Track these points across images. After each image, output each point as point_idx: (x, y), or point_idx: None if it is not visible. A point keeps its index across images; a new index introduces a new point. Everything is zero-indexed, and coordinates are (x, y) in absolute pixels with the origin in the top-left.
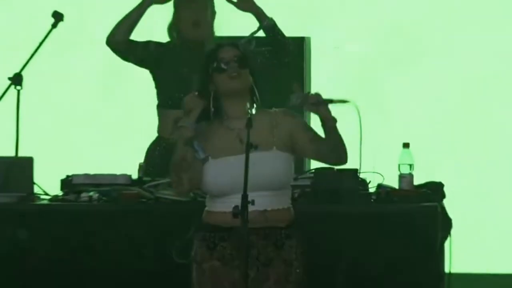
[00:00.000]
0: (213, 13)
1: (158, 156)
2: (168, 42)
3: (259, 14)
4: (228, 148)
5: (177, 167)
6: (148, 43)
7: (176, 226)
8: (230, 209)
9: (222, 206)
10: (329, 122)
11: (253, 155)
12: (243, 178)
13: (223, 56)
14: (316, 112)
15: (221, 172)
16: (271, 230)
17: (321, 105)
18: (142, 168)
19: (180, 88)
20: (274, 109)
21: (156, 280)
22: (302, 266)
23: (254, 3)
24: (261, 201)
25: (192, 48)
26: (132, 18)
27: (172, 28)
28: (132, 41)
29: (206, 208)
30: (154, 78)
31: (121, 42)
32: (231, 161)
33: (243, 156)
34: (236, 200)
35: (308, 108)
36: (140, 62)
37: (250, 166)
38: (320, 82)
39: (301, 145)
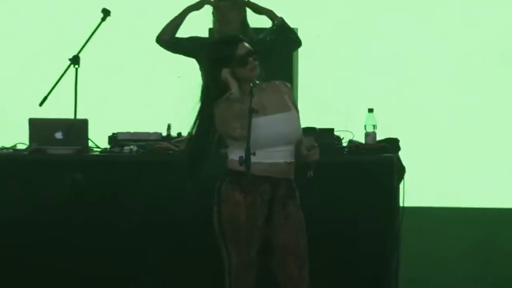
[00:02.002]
0: (244, 10)
1: None
2: (209, 37)
3: (271, 15)
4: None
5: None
6: (193, 38)
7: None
8: (263, 159)
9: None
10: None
11: (280, 116)
12: (268, 132)
13: (242, 53)
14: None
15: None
16: (289, 182)
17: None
18: (169, 127)
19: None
20: (273, 81)
21: (183, 213)
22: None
23: (264, 8)
24: (288, 154)
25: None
26: (176, 22)
27: (214, 27)
28: (178, 38)
29: (230, 158)
30: (201, 67)
31: (168, 41)
32: (262, 120)
33: (268, 117)
34: (264, 152)
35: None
36: (187, 53)
37: (280, 125)
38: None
39: None
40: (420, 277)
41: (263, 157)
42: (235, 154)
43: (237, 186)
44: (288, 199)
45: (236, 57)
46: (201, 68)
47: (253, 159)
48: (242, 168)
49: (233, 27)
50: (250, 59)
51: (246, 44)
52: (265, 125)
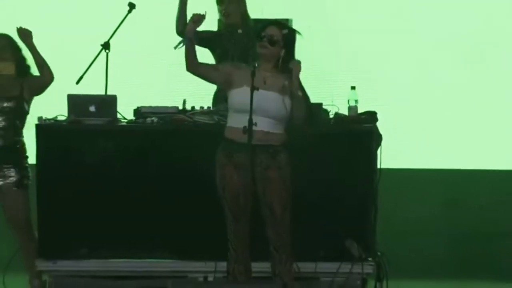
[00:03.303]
0: (244, 3)
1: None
2: (217, 30)
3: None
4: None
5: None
6: (206, 32)
7: (205, 137)
8: (242, 126)
9: (237, 123)
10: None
11: (267, 93)
12: (252, 105)
13: (266, 32)
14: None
15: (245, 96)
16: (270, 146)
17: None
18: (185, 102)
19: (226, 59)
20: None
21: (191, 171)
22: (289, 169)
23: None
24: (265, 125)
25: (230, 32)
26: (181, 13)
27: (219, 20)
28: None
29: (227, 125)
30: (213, 55)
31: (181, 32)
32: (256, 92)
33: (261, 91)
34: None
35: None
36: (204, 46)
37: (263, 99)
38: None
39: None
40: (394, 229)
41: (241, 123)
42: (229, 122)
43: (225, 151)
44: (269, 160)
45: (262, 32)
46: (214, 56)
47: (233, 124)
48: (230, 136)
49: (234, 18)
50: (265, 39)
51: (274, 29)
52: (248, 94)
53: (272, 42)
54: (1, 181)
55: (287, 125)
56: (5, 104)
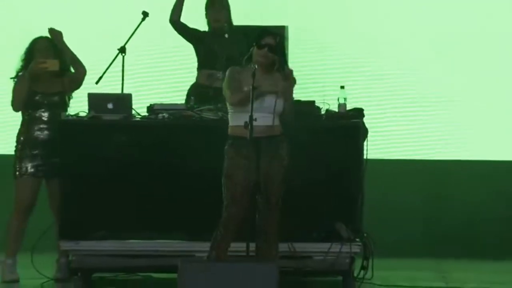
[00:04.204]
0: (229, 12)
1: (193, 94)
2: (207, 31)
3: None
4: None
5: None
6: (195, 29)
7: (210, 131)
8: (256, 123)
9: (241, 121)
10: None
11: (264, 92)
12: (267, 105)
13: (266, 42)
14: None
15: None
16: (272, 137)
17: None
18: (192, 101)
19: (211, 58)
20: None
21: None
22: (289, 159)
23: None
24: (265, 119)
25: (217, 35)
26: (178, 3)
27: (207, 23)
28: (185, 25)
29: (232, 124)
30: (196, 51)
31: (175, 21)
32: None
33: (259, 93)
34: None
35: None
36: (189, 40)
37: (261, 98)
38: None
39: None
40: (379, 213)
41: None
42: (233, 121)
43: (233, 147)
44: (273, 151)
45: (261, 41)
46: (198, 53)
47: (236, 122)
48: (236, 133)
49: (221, 23)
50: (265, 48)
51: (271, 38)
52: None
53: (272, 51)
54: (50, 170)
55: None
56: (51, 99)
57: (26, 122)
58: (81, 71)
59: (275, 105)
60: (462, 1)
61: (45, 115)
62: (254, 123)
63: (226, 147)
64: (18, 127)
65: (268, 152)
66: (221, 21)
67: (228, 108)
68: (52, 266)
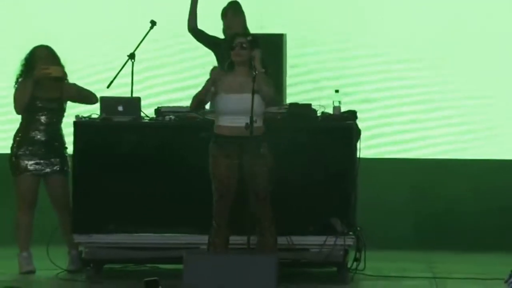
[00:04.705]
0: (244, 20)
1: None
2: (224, 38)
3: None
4: (236, 89)
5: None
6: (213, 36)
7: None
8: (234, 124)
9: (229, 122)
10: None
11: (245, 95)
12: (240, 107)
13: (236, 42)
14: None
15: (231, 101)
16: (254, 138)
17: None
18: None
19: (225, 60)
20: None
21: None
22: (271, 158)
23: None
24: (247, 120)
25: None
26: (192, 11)
27: (222, 31)
28: (203, 31)
29: (216, 124)
30: (216, 56)
31: (193, 29)
32: (237, 97)
33: (241, 95)
34: (235, 119)
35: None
36: (207, 46)
37: (243, 102)
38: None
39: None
40: (371, 209)
41: (228, 122)
42: (217, 121)
43: (217, 145)
44: (254, 150)
45: (233, 42)
46: (217, 59)
47: (223, 122)
48: (222, 132)
49: (234, 31)
50: (237, 48)
51: (241, 38)
52: (233, 99)
53: (243, 48)
54: (49, 168)
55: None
56: (50, 104)
57: (25, 123)
58: (95, 101)
59: (252, 107)
60: (455, 3)
61: (43, 119)
62: (239, 123)
63: (210, 144)
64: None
65: (250, 152)
66: (234, 28)
67: (216, 110)
68: (66, 258)
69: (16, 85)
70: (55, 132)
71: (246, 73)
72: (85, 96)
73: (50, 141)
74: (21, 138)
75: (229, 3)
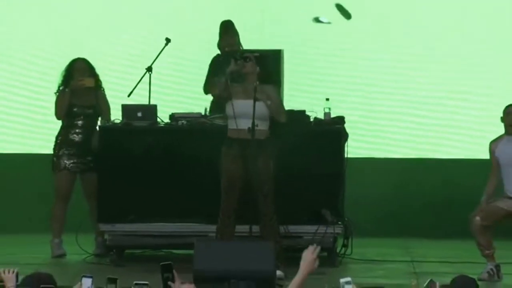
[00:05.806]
0: (238, 39)
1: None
2: (219, 55)
3: None
4: (244, 95)
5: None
6: (214, 67)
7: (219, 135)
8: (240, 127)
9: (233, 125)
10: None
11: (251, 102)
12: (249, 111)
13: (239, 56)
14: None
15: (238, 106)
16: (259, 140)
17: None
18: (206, 109)
19: (223, 73)
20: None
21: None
22: (272, 157)
23: None
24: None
25: (228, 58)
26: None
27: (218, 47)
28: (214, 85)
29: (229, 127)
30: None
31: (219, 96)
32: (243, 102)
33: (248, 101)
34: (242, 122)
35: None
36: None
37: (249, 107)
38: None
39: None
40: (357, 201)
41: (235, 125)
42: (229, 125)
43: (226, 146)
44: (257, 151)
45: (235, 58)
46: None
47: (231, 125)
48: (233, 135)
49: (234, 48)
50: (240, 61)
51: (247, 53)
52: (239, 105)
53: (246, 59)
54: (85, 166)
55: (270, 124)
56: (87, 110)
57: (65, 127)
58: (107, 117)
59: (254, 111)
60: (454, 4)
61: (80, 123)
62: (243, 127)
63: (222, 146)
64: (58, 129)
65: (254, 153)
66: (234, 45)
67: (227, 115)
68: (92, 244)
69: (56, 93)
70: (90, 134)
71: (253, 83)
72: (106, 109)
73: (86, 142)
74: (62, 140)
75: (222, 23)
